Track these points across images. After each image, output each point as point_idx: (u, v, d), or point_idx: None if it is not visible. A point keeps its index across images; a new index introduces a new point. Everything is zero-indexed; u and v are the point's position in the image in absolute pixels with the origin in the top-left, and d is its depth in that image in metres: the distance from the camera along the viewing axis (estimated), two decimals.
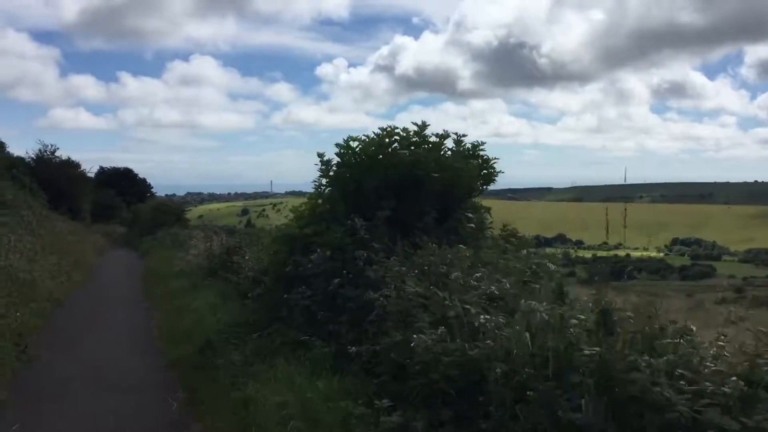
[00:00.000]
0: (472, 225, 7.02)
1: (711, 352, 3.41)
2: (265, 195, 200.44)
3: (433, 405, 3.90)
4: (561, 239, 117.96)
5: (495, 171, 7.39)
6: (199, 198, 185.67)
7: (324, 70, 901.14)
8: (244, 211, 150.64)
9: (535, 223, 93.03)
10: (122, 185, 46.96)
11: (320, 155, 7.59)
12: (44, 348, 8.07)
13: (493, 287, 4.73)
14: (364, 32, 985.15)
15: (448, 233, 7.12)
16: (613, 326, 3.64)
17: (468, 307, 4.26)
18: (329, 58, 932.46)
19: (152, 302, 11.64)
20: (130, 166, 53.39)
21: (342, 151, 7.28)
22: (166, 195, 66.81)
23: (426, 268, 5.74)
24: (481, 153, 7.21)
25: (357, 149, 7.17)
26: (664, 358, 3.25)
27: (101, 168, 48.46)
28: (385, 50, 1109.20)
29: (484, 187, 7.26)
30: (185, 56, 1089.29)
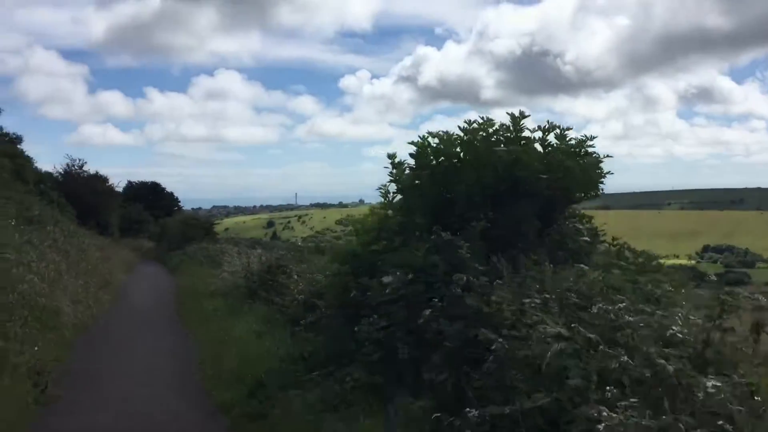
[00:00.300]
0: (586, 238, 5.66)
1: None
2: (289, 207, 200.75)
3: None
4: None
5: (603, 172, 6.02)
6: (225, 211, 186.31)
7: (347, 82, 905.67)
8: (270, 224, 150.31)
9: None
10: (150, 199, 46.41)
11: (391, 156, 6.33)
12: (66, 386, 6.92)
13: (674, 328, 3.37)
14: (387, 44, 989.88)
15: (554, 248, 5.79)
16: None
17: (661, 361, 2.91)
18: (352, 70, 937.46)
19: (188, 327, 10.48)
20: (157, 180, 52.80)
21: (419, 150, 6.00)
22: (193, 209, 66.46)
23: (562, 298, 4.41)
24: (590, 149, 5.84)
25: (438, 148, 5.89)
26: None
27: (129, 182, 48.10)
28: (407, 61, 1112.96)
29: (596, 191, 5.87)
30: (210, 71, 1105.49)
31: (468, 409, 3.67)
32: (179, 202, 52.94)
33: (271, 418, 5.37)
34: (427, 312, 4.80)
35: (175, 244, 28.85)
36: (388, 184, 6.61)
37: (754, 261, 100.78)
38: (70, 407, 6.41)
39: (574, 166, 5.47)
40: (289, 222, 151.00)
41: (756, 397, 2.90)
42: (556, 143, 5.77)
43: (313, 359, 6.41)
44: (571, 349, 3.38)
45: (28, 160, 29.75)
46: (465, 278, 4.77)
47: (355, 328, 5.63)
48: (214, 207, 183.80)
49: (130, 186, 47.58)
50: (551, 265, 5.23)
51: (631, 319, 3.74)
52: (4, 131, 29.71)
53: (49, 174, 31.59)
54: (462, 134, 5.88)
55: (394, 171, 6.34)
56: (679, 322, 3.46)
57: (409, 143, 6.22)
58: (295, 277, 9.41)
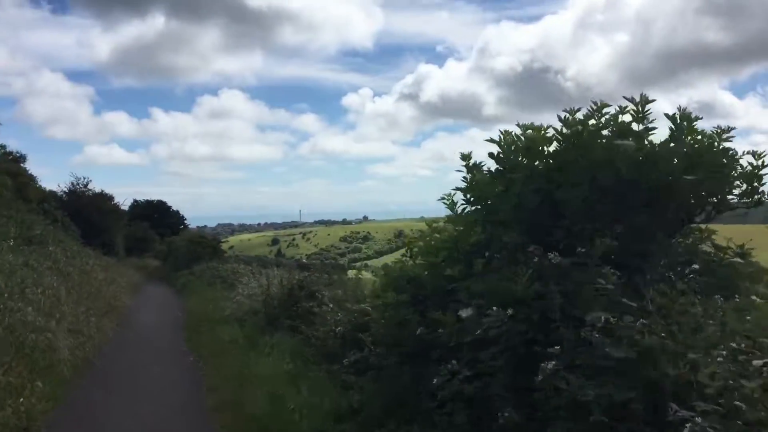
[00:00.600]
0: (731, 257, 4.33)
1: None
2: (294, 224, 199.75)
3: None
4: None
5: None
6: (230, 229, 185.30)
7: (349, 100, 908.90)
8: (275, 241, 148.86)
9: None
10: (155, 218, 45.27)
11: (465, 157, 5.02)
12: None
13: None
14: (389, 62, 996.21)
15: (681, 271, 4.46)
16: None
17: None
18: (354, 89, 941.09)
19: (201, 362, 9.11)
20: (163, 199, 51.72)
21: (506, 148, 4.69)
22: (198, 226, 65.20)
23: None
24: (728, 146, 4.50)
25: (531, 144, 4.58)
26: None
27: (135, 201, 47.06)
28: (409, 79, 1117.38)
29: (759, 197, 4.49)
30: (214, 90, 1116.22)
31: None
32: (185, 219, 51.78)
33: None
34: (550, 365, 3.46)
35: (183, 263, 27.58)
36: (453, 193, 5.32)
37: None
38: None
39: (721, 165, 4.14)
40: (293, 239, 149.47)
41: None
42: (690, 137, 4.44)
43: (368, 416, 5.05)
44: None
45: (32, 179, 28.69)
46: (603, 318, 3.44)
47: (434, 380, 4.29)
48: (219, 225, 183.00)
49: (136, 204, 46.56)
50: (698, 297, 3.94)
51: None
52: (8, 150, 28.78)
53: (53, 193, 30.55)
54: (562, 127, 4.59)
55: (469, 175, 5.04)
56: None
57: (487, 140, 4.93)
58: (330, 304, 8.04)
